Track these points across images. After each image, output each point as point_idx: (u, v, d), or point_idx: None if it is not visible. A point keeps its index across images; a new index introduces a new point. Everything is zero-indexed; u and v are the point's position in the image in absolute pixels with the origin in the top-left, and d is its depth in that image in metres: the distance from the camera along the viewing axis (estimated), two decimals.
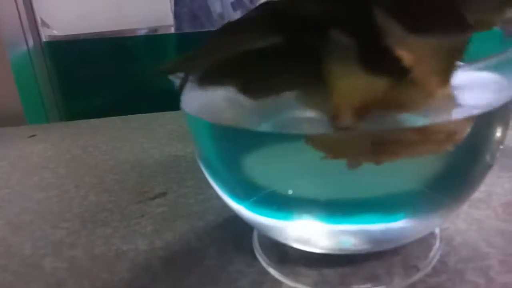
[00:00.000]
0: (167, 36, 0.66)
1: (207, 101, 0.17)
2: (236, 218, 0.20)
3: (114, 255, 0.22)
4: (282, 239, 0.19)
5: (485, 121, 0.16)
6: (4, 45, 0.53)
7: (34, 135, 0.46)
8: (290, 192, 0.16)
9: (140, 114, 0.48)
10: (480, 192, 0.25)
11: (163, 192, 0.29)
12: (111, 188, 0.30)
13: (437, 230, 0.21)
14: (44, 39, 0.61)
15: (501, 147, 0.18)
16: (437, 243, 0.20)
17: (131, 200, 0.28)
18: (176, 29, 0.65)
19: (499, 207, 0.24)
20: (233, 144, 0.17)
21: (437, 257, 0.20)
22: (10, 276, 0.21)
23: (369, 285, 0.18)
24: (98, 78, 0.61)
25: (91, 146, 0.41)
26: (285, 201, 0.17)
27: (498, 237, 0.21)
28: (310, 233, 0.18)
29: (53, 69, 0.61)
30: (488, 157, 0.17)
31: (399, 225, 0.18)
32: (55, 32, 0.61)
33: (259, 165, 0.17)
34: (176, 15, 0.65)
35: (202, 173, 0.20)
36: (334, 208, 0.17)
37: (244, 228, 0.23)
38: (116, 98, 0.61)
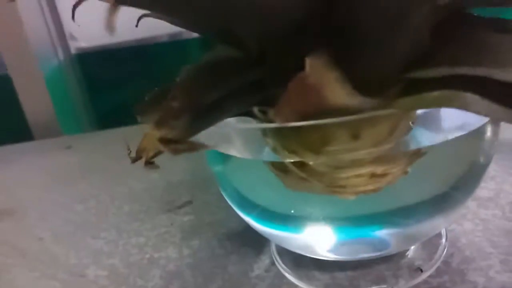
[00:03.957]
0: (192, 40, 0.67)
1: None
2: None
3: (147, 262, 0.25)
4: (291, 248, 0.21)
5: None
6: (36, 60, 0.57)
7: (70, 146, 0.49)
8: (292, 211, 0.18)
9: None
10: (489, 191, 0.26)
11: (189, 201, 0.31)
12: (141, 197, 0.33)
13: (443, 231, 0.23)
14: (72, 52, 0.64)
15: (495, 143, 0.18)
16: (443, 245, 0.22)
17: (160, 209, 0.30)
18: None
19: (506, 205, 0.24)
20: (234, 165, 0.19)
21: (442, 258, 0.21)
22: (59, 284, 0.24)
23: (375, 287, 0.20)
24: (128, 86, 0.63)
25: (122, 155, 0.44)
26: (286, 218, 0.19)
27: (502, 237, 0.22)
28: (316, 243, 0.20)
29: (83, 80, 0.64)
30: (481, 159, 0.18)
31: (404, 232, 0.19)
32: (83, 44, 0.65)
33: (258, 185, 0.19)
34: None
35: None
36: (338, 221, 0.18)
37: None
38: None
